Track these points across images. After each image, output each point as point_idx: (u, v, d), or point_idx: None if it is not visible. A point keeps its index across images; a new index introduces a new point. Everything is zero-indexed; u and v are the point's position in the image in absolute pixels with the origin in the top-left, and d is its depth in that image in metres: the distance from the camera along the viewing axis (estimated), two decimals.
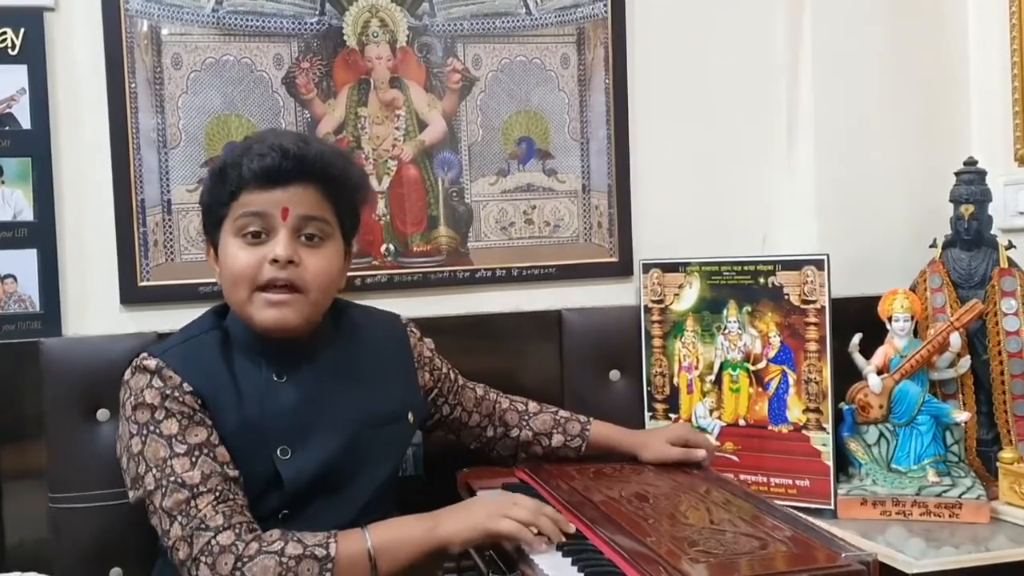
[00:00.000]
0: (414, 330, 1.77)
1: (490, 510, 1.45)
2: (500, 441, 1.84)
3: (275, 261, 1.46)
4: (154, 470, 1.41)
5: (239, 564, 1.33)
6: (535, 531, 1.43)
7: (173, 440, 1.42)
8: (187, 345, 1.53)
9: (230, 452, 1.45)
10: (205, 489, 1.39)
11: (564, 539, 1.45)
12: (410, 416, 1.67)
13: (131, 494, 1.45)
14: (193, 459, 1.41)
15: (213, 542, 1.35)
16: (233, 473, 1.44)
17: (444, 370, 1.80)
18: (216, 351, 1.52)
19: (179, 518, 1.37)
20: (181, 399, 1.44)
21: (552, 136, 2.18)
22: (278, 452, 1.48)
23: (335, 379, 1.58)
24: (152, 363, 1.46)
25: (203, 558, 1.34)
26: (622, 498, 1.60)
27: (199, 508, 1.37)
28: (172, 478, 1.39)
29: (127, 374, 1.49)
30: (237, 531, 1.36)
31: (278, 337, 1.52)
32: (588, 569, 1.35)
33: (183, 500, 1.38)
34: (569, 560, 1.39)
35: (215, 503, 1.38)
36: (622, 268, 2.22)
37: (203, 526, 1.36)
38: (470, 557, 1.54)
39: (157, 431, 1.42)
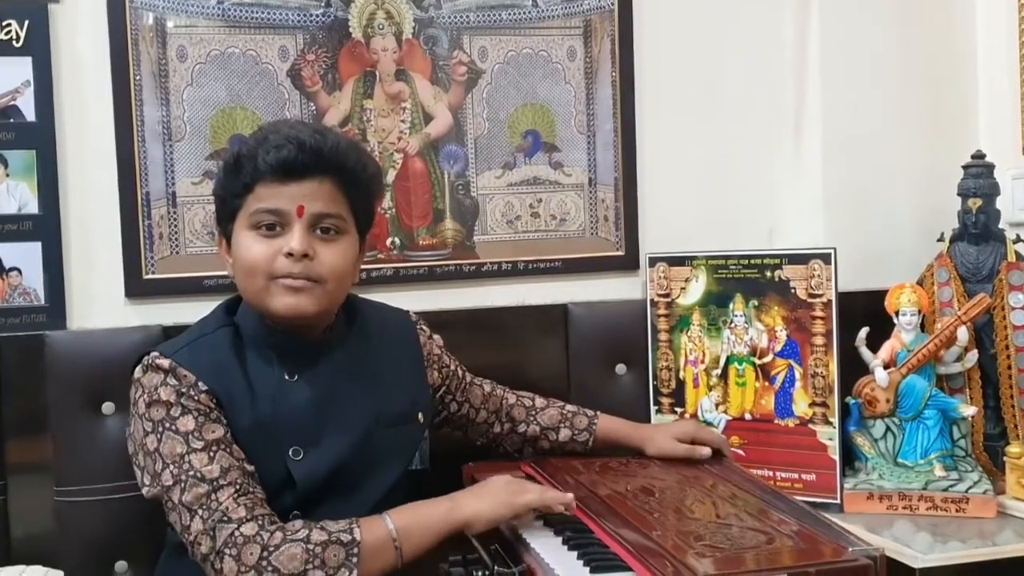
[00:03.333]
0: (424, 327, 1.77)
1: (510, 487, 1.49)
2: (507, 437, 1.84)
3: (290, 255, 1.45)
4: (171, 466, 1.40)
5: (265, 554, 1.32)
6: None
7: (190, 436, 1.41)
8: (199, 343, 1.51)
9: (243, 451, 1.45)
10: (225, 482, 1.38)
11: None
12: (420, 416, 1.66)
13: (146, 491, 1.44)
14: (211, 454, 1.40)
15: (237, 533, 1.34)
16: (250, 468, 1.43)
17: (452, 367, 1.80)
18: (228, 349, 1.51)
19: (200, 512, 1.37)
20: (196, 397, 1.44)
21: (558, 129, 2.18)
22: (290, 453, 1.48)
23: (347, 378, 1.57)
24: (165, 362, 1.45)
25: (227, 550, 1.33)
26: (628, 492, 1.60)
27: (220, 501, 1.37)
28: (191, 473, 1.38)
29: (138, 372, 1.48)
30: (260, 522, 1.36)
31: (291, 329, 1.51)
32: (594, 563, 1.34)
33: (203, 494, 1.37)
34: (575, 554, 1.39)
35: (236, 495, 1.38)
36: (628, 262, 2.22)
37: (225, 518, 1.35)
38: (475, 551, 1.53)
39: (173, 428, 1.42)
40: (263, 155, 1.46)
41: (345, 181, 1.51)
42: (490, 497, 1.48)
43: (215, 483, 1.38)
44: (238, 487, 1.39)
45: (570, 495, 1.51)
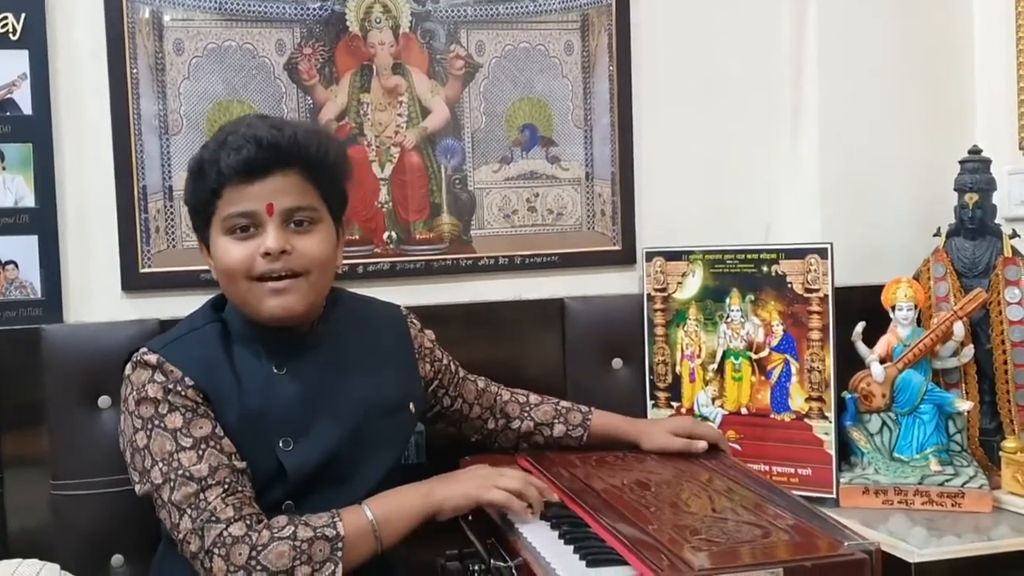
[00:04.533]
0: (414, 321, 1.77)
1: (480, 480, 1.51)
2: (502, 433, 1.85)
3: (267, 254, 1.46)
4: (160, 464, 1.41)
5: (254, 553, 1.34)
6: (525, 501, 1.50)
7: (178, 434, 1.42)
8: (187, 339, 1.52)
9: (233, 444, 1.46)
10: (214, 482, 1.39)
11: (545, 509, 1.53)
12: (411, 406, 1.67)
13: (137, 487, 1.45)
14: (200, 452, 1.41)
15: (225, 534, 1.35)
16: (240, 464, 1.44)
17: (445, 362, 1.80)
18: (216, 344, 1.52)
19: (189, 511, 1.38)
20: (183, 393, 1.44)
21: (555, 123, 2.17)
22: (280, 444, 1.49)
23: (335, 370, 1.58)
24: (153, 358, 1.46)
25: (216, 550, 1.35)
26: (624, 486, 1.60)
27: (208, 501, 1.38)
28: (180, 471, 1.39)
29: (128, 369, 1.49)
30: (248, 522, 1.37)
31: (281, 326, 1.52)
32: (590, 556, 1.35)
33: (192, 493, 1.38)
34: (571, 548, 1.39)
35: (224, 495, 1.39)
36: (625, 256, 2.22)
37: (214, 518, 1.37)
38: (472, 544, 1.54)
39: (161, 425, 1.42)
40: (224, 158, 1.46)
41: (310, 170, 1.51)
42: (461, 486, 1.50)
43: (203, 482, 1.39)
44: (226, 486, 1.40)
45: (535, 516, 1.51)
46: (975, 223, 2.04)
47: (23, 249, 1.90)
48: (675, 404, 2.13)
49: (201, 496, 1.38)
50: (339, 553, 1.36)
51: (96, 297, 1.95)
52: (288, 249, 1.47)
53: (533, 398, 1.87)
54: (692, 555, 1.27)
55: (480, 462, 1.81)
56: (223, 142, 1.48)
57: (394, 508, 1.45)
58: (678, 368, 2.14)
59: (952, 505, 1.84)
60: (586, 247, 2.20)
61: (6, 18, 1.87)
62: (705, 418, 2.07)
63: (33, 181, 1.90)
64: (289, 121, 1.60)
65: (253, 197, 1.47)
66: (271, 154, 1.47)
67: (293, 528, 1.36)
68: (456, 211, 2.13)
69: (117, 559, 1.85)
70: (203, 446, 1.42)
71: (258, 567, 1.33)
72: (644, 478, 1.65)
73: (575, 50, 2.17)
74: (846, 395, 1.99)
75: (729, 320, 2.08)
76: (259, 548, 1.34)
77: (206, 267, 1.93)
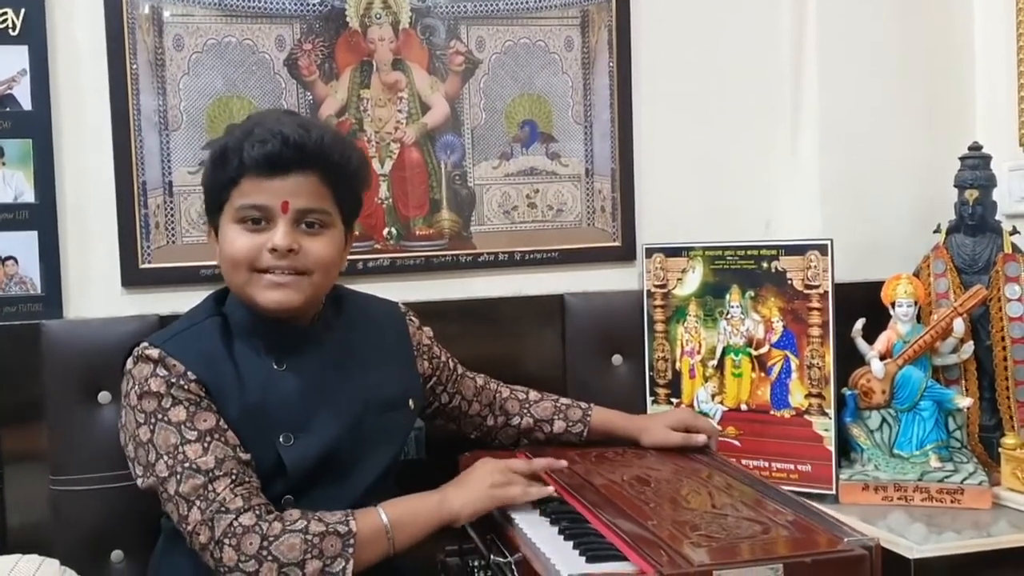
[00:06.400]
0: (413, 318, 1.77)
1: (492, 480, 1.52)
2: (501, 430, 1.85)
3: (274, 250, 1.46)
4: (165, 457, 1.41)
5: (265, 543, 1.34)
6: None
7: (183, 427, 1.42)
8: (188, 333, 1.52)
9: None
10: (221, 473, 1.39)
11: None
12: (411, 403, 1.67)
13: (140, 481, 1.45)
14: (205, 444, 1.41)
15: (235, 523, 1.35)
16: (245, 457, 1.44)
17: (443, 359, 1.80)
18: (217, 339, 1.52)
19: (197, 503, 1.38)
20: (186, 387, 1.44)
21: (555, 120, 2.17)
22: (280, 439, 1.49)
23: (335, 366, 1.58)
24: (154, 352, 1.46)
25: (227, 540, 1.35)
26: (623, 482, 1.60)
27: (217, 492, 1.38)
28: (186, 464, 1.39)
29: (129, 363, 1.49)
30: (258, 512, 1.37)
31: (279, 320, 1.52)
32: (589, 552, 1.34)
33: (200, 485, 1.38)
34: (571, 544, 1.38)
35: (232, 486, 1.39)
36: (625, 253, 2.22)
37: (223, 509, 1.37)
38: (472, 540, 1.54)
39: (165, 419, 1.42)
40: (248, 149, 1.46)
41: (330, 175, 1.51)
42: (474, 491, 1.50)
43: (211, 474, 1.39)
44: (234, 477, 1.40)
45: (550, 488, 1.54)
46: (975, 219, 2.04)
47: (23, 245, 1.90)
48: (675, 400, 2.13)
49: (209, 487, 1.38)
50: (351, 550, 1.36)
51: (96, 292, 1.95)
52: (295, 248, 1.47)
53: (533, 395, 1.87)
54: (692, 551, 1.27)
55: (479, 456, 1.82)
56: (250, 132, 1.48)
57: (408, 513, 1.45)
58: (678, 364, 2.14)
59: (951, 501, 1.84)
60: (586, 243, 2.20)
61: (5, 13, 1.87)
62: (705, 414, 2.06)
63: (33, 177, 1.90)
64: (316, 123, 1.61)
65: (270, 192, 1.47)
66: (295, 153, 1.47)
67: (305, 522, 1.37)
68: (456, 207, 2.13)
69: (117, 554, 1.85)
70: (208, 438, 1.42)
71: (269, 557, 1.33)
72: (644, 474, 1.65)
73: (575, 46, 2.17)
74: (846, 391, 1.99)
75: (729, 316, 2.08)
76: (270, 539, 1.34)
77: (206, 263, 1.96)
